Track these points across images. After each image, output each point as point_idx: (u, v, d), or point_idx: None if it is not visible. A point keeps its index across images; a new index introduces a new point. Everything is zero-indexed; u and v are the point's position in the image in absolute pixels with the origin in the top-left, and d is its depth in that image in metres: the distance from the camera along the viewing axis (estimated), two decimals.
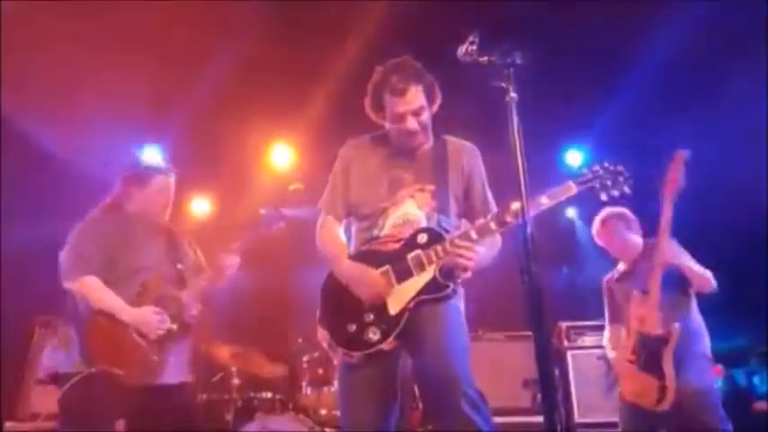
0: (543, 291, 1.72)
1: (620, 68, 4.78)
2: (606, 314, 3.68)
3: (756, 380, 5.69)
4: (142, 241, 2.98)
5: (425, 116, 2.51)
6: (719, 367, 5.22)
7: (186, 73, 4.69)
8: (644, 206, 3.59)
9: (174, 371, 2.88)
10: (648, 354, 3.26)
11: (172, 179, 3.10)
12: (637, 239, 3.56)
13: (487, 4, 4.11)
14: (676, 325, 3.22)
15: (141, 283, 2.89)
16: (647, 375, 3.23)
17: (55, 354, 2.83)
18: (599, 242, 3.66)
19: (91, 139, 4.82)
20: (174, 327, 2.89)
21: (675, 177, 3.23)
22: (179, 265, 3.03)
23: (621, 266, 3.64)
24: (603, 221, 3.59)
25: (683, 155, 3.27)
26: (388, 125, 2.56)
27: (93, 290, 2.80)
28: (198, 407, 3.06)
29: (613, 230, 3.55)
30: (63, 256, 2.87)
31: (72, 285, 2.81)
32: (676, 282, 3.32)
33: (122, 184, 3.05)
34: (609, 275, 3.70)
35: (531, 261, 1.76)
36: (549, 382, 1.69)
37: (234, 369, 4.40)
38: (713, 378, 3.37)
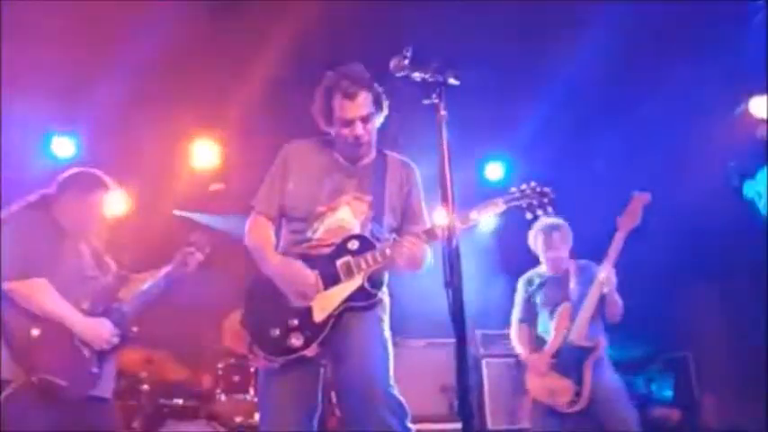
0: (465, 304, 1.76)
1: (540, 79, 4.92)
2: (517, 311, 3.92)
3: (654, 387, 6.05)
4: (77, 248, 2.84)
5: (372, 125, 2.52)
6: None
7: (103, 63, 4.47)
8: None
9: (106, 384, 2.78)
10: (571, 360, 3.57)
11: (112, 194, 2.97)
12: (566, 253, 3.82)
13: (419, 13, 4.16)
14: (602, 338, 3.61)
15: (88, 294, 2.77)
16: (564, 379, 3.55)
17: None
18: (533, 249, 3.88)
19: None
20: (118, 341, 2.79)
21: (633, 215, 3.59)
22: (109, 276, 2.92)
23: (544, 271, 3.88)
24: (544, 231, 3.79)
25: (645, 198, 3.64)
26: (334, 131, 2.55)
27: (44, 293, 2.62)
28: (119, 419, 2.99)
29: (551, 242, 3.78)
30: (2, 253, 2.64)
31: (15, 286, 2.60)
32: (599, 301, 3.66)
33: (59, 186, 2.87)
34: (527, 275, 3.94)
35: (455, 275, 1.79)
36: (467, 392, 1.73)
37: (143, 374, 4.24)
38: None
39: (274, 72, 4.56)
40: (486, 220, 2.53)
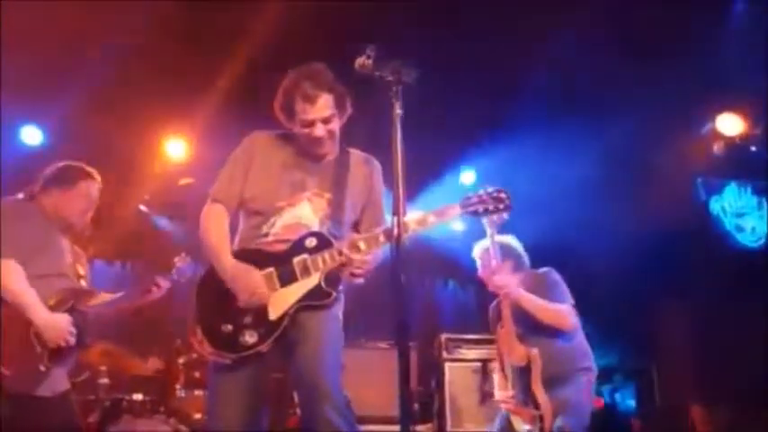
0: (414, 306, 1.77)
1: (511, 89, 4.95)
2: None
3: (618, 396, 6.13)
4: (58, 245, 2.83)
5: (334, 125, 2.51)
6: (600, 399, 5.52)
7: (72, 53, 4.45)
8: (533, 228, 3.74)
9: (53, 384, 2.72)
10: (522, 386, 3.27)
11: (97, 185, 2.97)
12: (507, 274, 3.43)
13: (386, 16, 4.20)
14: (534, 350, 3.25)
15: (59, 291, 2.74)
16: (528, 408, 3.23)
17: None
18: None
19: None
20: (74, 342, 2.74)
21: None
22: (82, 281, 2.91)
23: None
24: (482, 252, 3.51)
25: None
26: (296, 129, 2.53)
27: (14, 277, 2.58)
28: (78, 417, 2.94)
29: (485, 263, 3.46)
30: None
31: None
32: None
33: (44, 179, 2.88)
34: (493, 304, 3.59)
35: (400, 273, 1.80)
36: (407, 395, 1.74)
37: (103, 368, 4.18)
38: (588, 394, 3.37)
39: (244, 68, 4.57)
40: (445, 223, 2.53)
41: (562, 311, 3.35)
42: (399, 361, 1.80)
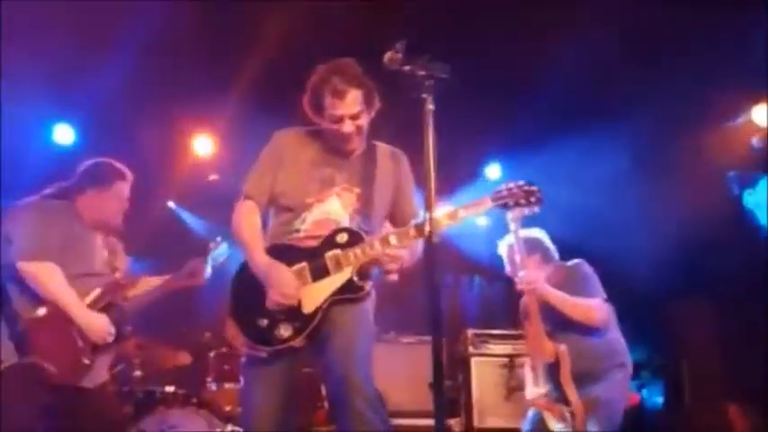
0: (442, 302, 1.77)
1: (537, 85, 4.88)
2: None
3: (645, 393, 6.07)
4: (92, 242, 2.91)
5: (363, 120, 2.51)
6: (636, 395, 5.46)
7: (100, 50, 4.52)
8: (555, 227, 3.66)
9: (96, 376, 2.82)
10: (553, 383, 3.21)
11: (129, 184, 3.03)
12: (535, 268, 3.36)
13: (413, 14, 4.19)
14: (561, 347, 3.19)
15: (95, 288, 2.82)
16: (559, 406, 3.18)
17: None
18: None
19: None
20: (113, 339, 2.83)
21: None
22: (117, 274, 2.98)
23: None
24: (507, 249, 3.45)
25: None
26: (324, 125, 2.54)
27: (54, 279, 2.68)
28: (117, 407, 3.02)
29: (511, 260, 3.39)
30: (17, 234, 2.71)
31: (29, 267, 2.66)
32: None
33: (79, 178, 2.95)
34: (522, 300, 3.48)
35: (434, 271, 1.80)
36: (441, 388, 1.74)
37: (136, 360, 4.26)
38: (621, 391, 3.32)
39: (269, 65, 4.60)
40: (476, 217, 2.53)
41: (591, 307, 3.28)
42: (433, 356, 1.81)
